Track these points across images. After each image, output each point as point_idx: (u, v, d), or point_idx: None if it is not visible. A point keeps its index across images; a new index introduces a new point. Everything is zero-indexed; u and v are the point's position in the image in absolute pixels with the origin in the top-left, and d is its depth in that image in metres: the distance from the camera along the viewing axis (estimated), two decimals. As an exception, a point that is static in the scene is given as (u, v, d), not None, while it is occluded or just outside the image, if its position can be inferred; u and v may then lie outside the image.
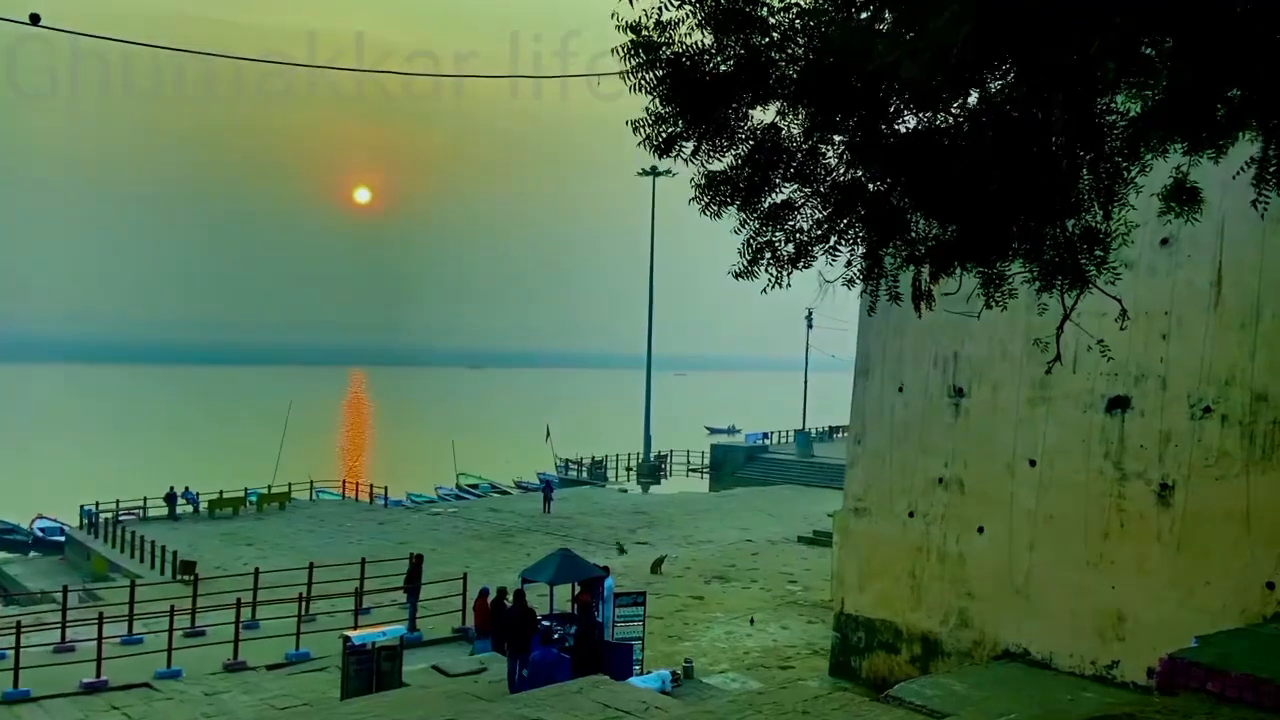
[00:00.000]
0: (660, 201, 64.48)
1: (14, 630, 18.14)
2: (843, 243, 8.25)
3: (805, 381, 67.55)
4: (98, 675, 17.82)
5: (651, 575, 28.64)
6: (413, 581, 21.71)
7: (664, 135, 8.29)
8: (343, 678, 16.63)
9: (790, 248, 8.19)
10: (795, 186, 8.32)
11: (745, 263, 8.29)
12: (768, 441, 70.12)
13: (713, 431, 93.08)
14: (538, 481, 56.35)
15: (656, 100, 8.09)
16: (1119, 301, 7.91)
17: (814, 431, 69.62)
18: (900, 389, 14.49)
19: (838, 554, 15.71)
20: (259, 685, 18.13)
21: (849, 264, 8.69)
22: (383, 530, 38.18)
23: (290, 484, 45.29)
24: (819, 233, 8.22)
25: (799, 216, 8.22)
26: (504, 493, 55.69)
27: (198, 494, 42.23)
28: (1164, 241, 11.21)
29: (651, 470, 66.91)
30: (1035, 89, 6.97)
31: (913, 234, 8.24)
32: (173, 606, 20.02)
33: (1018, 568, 12.75)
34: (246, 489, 43.13)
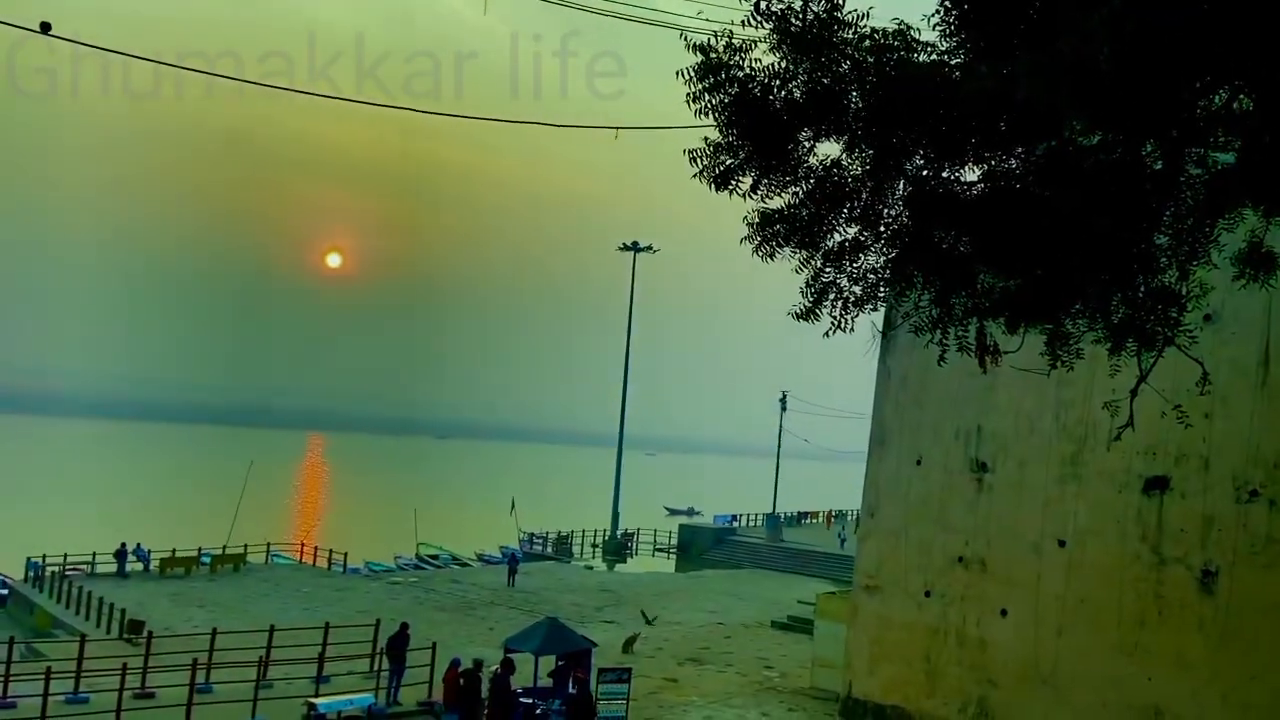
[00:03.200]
0: (641, 279, 64.46)
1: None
2: (909, 290, 7.85)
3: (777, 466, 67.03)
4: (39, 736, 16.44)
5: (622, 655, 27.47)
6: (397, 650, 20.62)
7: (722, 167, 7.92)
8: (305, 749, 15.50)
9: (857, 289, 7.77)
10: (858, 228, 7.95)
11: (807, 304, 7.85)
12: (736, 524, 69.15)
13: (672, 513, 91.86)
14: (500, 554, 54.87)
15: (719, 128, 7.74)
16: (1200, 364, 7.52)
17: (784, 516, 68.80)
18: (918, 462, 13.96)
19: (846, 635, 14.94)
20: (212, 753, 16.84)
21: (908, 315, 8.28)
22: (340, 598, 36.69)
23: (246, 546, 43.59)
24: (884, 276, 7.82)
25: (864, 259, 7.84)
26: (465, 564, 54.11)
27: (149, 551, 40.46)
28: (1208, 318, 10.91)
29: (618, 548, 65.57)
30: (1131, 133, 6.64)
31: (979, 285, 7.86)
32: (124, 665, 18.71)
33: (1045, 655, 12.10)
34: (200, 549, 41.39)
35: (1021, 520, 12.61)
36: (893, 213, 7.80)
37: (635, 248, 64.32)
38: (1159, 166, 6.96)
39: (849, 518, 70.35)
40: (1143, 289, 7.38)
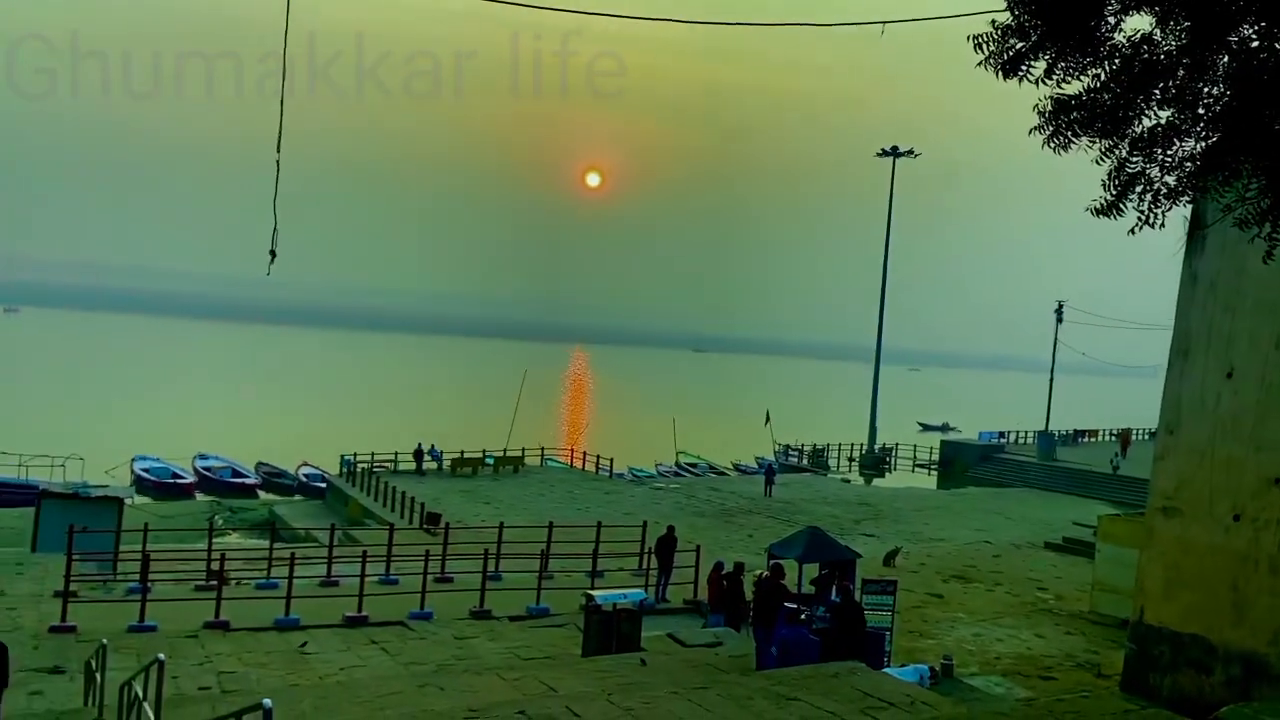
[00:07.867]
0: (900, 185, 61.88)
1: (287, 562, 19.32)
2: (1233, 179, 6.98)
3: (1050, 381, 62.99)
4: (359, 610, 18.69)
5: (884, 568, 27.25)
6: (665, 550, 21.70)
7: (1011, 52, 7.31)
8: (584, 635, 16.62)
9: (1170, 180, 7.01)
10: (1171, 111, 7.12)
11: (1110, 197, 7.19)
12: (1003, 441, 66.19)
13: (925, 428, 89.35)
14: (756, 465, 55.72)
15: (1010, 7, 7.11)
16: None
17: (1057, 434, 64.94)
18: (1229, 375, 12.59)
19: (1139, 558, 13.95)
20: (503, 634, 18.47)
21: (1230, 207, 7.37)
22: (608, 500, 38.74)
23: (524, 450, 46.89)
24: (1201, 165, 6.98)
25: (1179, 145, 7.04)
26: (721, 474, 55.47)
27: (442, 452, 44.49)
28: None
29: (875, 462, 64.79)
30: None
31: (1320, 169, 6.84)
32: (427, 552, 20.81)
33: (1381, 590, 10.75)
34: (484, 452, 44.99)
35: (1358, 440, 11.13)
36: (1214, 92, 6.91)
37: (895, 153, 61.73)
38: None
39: (1138, 438, 65.48)
40: None
